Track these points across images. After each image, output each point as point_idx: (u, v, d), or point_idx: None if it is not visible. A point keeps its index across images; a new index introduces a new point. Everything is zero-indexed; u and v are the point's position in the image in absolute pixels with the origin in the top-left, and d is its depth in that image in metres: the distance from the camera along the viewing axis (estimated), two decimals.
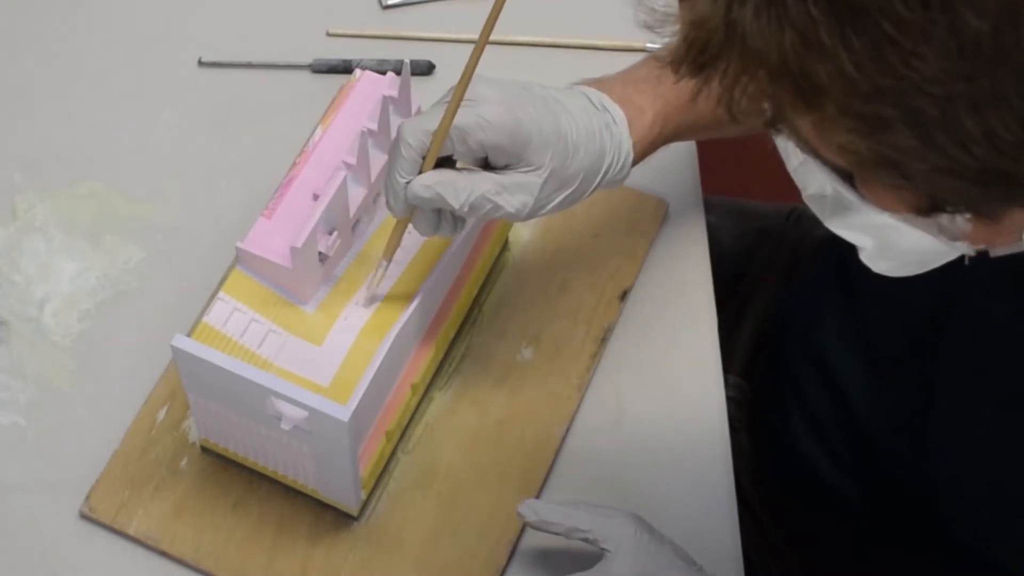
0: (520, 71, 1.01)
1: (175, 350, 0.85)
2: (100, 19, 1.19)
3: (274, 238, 0.91)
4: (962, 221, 0.66)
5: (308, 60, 1.15)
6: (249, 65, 1.16)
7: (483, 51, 0.81)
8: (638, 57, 1.05)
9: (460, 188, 0.82)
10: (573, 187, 0.87)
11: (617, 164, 0.89)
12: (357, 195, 0.93)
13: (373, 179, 0.94)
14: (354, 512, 0.94)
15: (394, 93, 0.94)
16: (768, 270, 1.22)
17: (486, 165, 0.85)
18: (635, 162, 0.92)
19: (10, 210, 1.08)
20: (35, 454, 0.98)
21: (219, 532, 0.95)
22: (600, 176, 0.89)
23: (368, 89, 0.95)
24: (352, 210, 0.93)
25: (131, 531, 0.96)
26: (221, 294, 0.94)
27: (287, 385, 0.84)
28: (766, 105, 0.64)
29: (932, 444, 0.97)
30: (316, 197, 0.92)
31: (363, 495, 0.95)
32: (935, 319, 0.97)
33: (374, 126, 0.93)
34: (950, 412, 0.96)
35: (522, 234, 1.06)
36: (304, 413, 0.83)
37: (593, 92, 0.91)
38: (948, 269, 0.91)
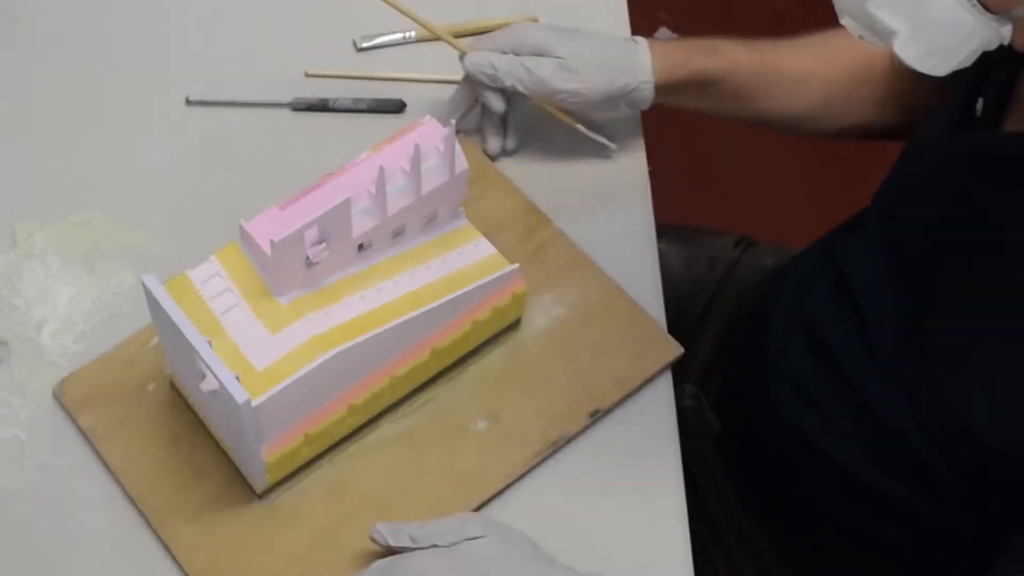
0: None
1: (144, 286, 0.89)
2: (96, 61, 1.22)
3: (274, 227, 0.93)
4: None
5: (288, 99, 1.18)
6: (233, 103, 1.19)
7: None
8: None
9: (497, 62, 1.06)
10: (580, 77, 1.06)
11: (631, 74, 1.07)
12: (366, 223, 0.95)
13: (389, 214, 0.96)
14: (258, 490, 0.97)
15: (441, 145, 0.97)
16: (721, 292, 1.27)
17: None
18: (659, 86, 1.08)
19: (11, 238, 1.09)
20: (34, 465, 0.99)
21: (147, 455, 0.99)
22: (613, 76, 1.07)
23: (426, 134, 0.97)
24: (356, 233, 0.95)
25: (81, 423, 0.99)
26: (211, 257, 0.96)
27: (211, 354, 0.86)
28: None
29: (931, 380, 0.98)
30: None
31: (267, 479, 0.96)
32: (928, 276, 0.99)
33: (407, 167, 0.95)
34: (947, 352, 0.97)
35: (536, 320, 1.06)
36: (216, 384, 0.87)
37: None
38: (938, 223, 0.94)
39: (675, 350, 1.05)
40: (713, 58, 1.10)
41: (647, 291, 1.09)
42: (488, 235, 1.05)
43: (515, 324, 1.05)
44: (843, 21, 0.84)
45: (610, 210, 1.14)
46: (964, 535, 1.01)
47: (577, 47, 1.07)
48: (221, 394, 0.86)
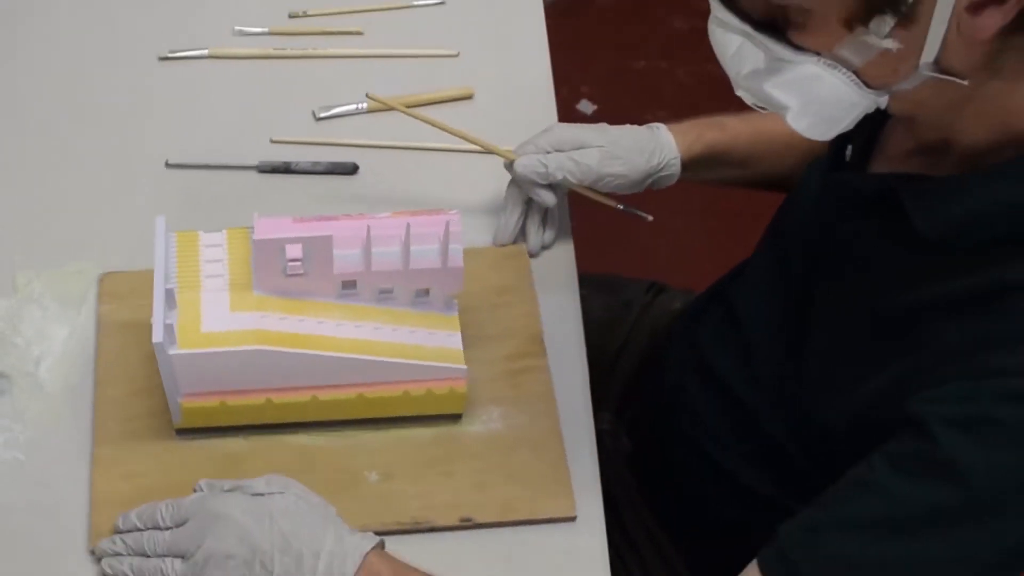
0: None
1: (156, 224, 1.00)
2: (87, 129, 1.28)
3: (270, 230, 0.98)
4: (882, 34, 0.78)
5: (255, 162, 1.24)
6: (207, 166, 1.24)
7: None
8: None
9: (549, 161, 1.12)
10: (622, 160, 1.12)
11: (659, 155, 1.14)
12: (350, 266, 1.00)
13: (373, 269, 1.01)
14: (173, 424, 1.05)
15: (439, 232, 1.00)
16: (634, 333, 1.34)
17: None
18: (684, 163, 1.15)
19: (12, 285, 1.14)
20: (33, 483, 1.04)
21: (128, 354, 1.08)
22: (647, 157, 1.14)
23: (437, 222, 1.00)
24: (338, 269, 1.00)
25: (100, 309, 1.10)
26: (224, 230, 1.04)
27: (160, 295, 0.95)
28: None
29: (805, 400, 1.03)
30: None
31: (181, 420, 1.03)
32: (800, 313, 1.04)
33: (399, 239, 1.00)
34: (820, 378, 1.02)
35: (475, 424, 1.07)
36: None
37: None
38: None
39: (569, 511, 1.03)
40: (719, 132, 1.18)
41: (571, 332, 1.14)
42: (488, 339, 1.10)
43: (456, 417, 1.07)
44: (738, 93, 0.90)
45: (538, 261, 1.19)
46: None
47: (611, 136, 1.14)
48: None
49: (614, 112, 2.20)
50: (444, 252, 1.01)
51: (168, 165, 1.25)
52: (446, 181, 1.26)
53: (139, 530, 0.98)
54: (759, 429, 1.10)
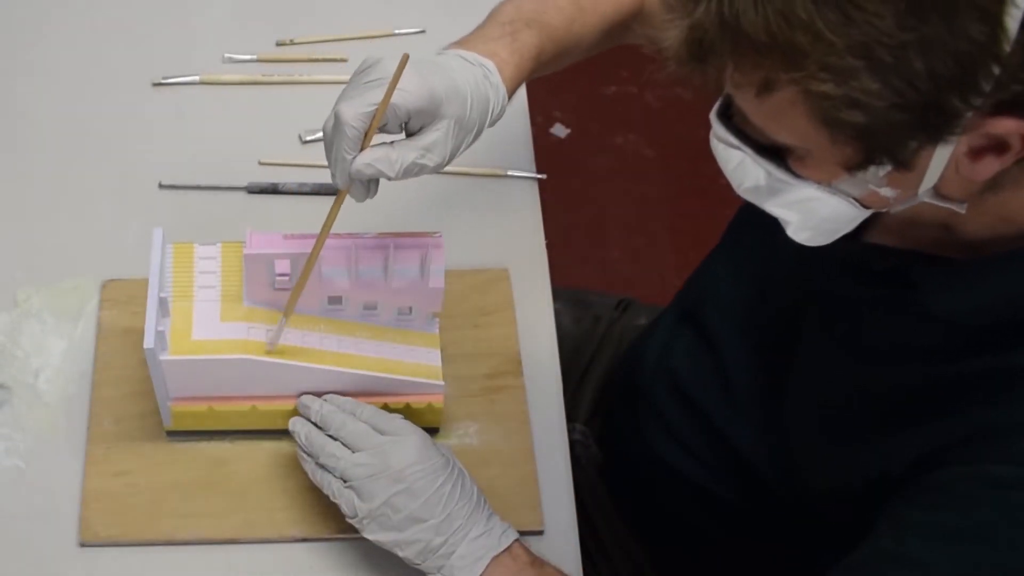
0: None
1: (154, 234, 1.01)
2: (85, 152, 1.30)
3: (261, 244, 0.99)
4: (879, 176, 0.76)
5: (244, 183, 1.26)
6: (198, 187, 1.26)
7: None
8: (502, 181, 1.24)
9: (393, 160, 0.89)
10: (474, 131, 0.95)
11: (498, 105, 0.97)
12: (336, 283, 1.01)
13: (357, 287, 1.02)
14: (164, 427, 1.07)
15: (421, 253, 1.00)
16: (603, 346, 1.37)
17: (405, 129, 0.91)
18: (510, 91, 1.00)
19: (12, 300, 1.17)
20: (32, 490, 1.07)
21: (126, 358, 1.10)
22: (488, 117, 0.96)
23: (421, 244, 1.01)
24: (325, 284, 1.02)
25: (101, 315, 1.12)
26: (219, 243, 1.05)
27: (153, 303, 0.97)
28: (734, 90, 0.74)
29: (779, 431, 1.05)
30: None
31: (171, 423, 1.05)
32: (782, 338, 1.03)
33: (382, 258, 1.01)
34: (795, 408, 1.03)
35: (451, 437, 1.09)
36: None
37: (463, 52, 0.98)
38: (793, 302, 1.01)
39: (536, 525, 1.05)
40: (534, 62, 1.03)
41: (544, 344, 1.16)
42: (468, 358, 1.11)
43: (433, 431, 1.07)
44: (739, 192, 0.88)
45: (514, 277, 1.20)
46: (798, 543, 1.13)
47: (461, 107, 0.93)
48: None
49: (586, 135, 2.29)
50: (426, 273, 1.02)
51: (161, 186, 1.27)
52: (429, 203, 1.27)
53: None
54: (732, 448, 1.12)
